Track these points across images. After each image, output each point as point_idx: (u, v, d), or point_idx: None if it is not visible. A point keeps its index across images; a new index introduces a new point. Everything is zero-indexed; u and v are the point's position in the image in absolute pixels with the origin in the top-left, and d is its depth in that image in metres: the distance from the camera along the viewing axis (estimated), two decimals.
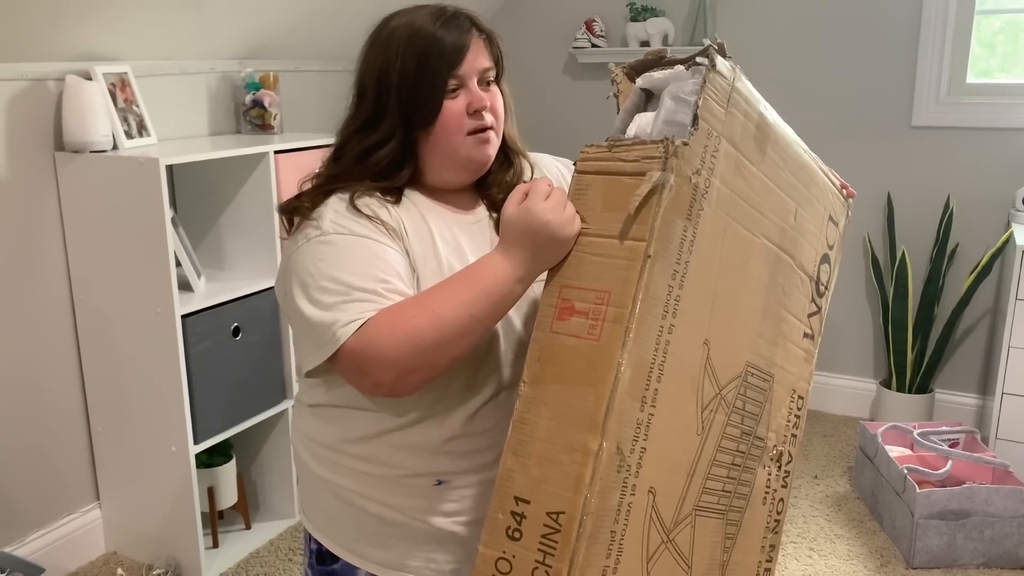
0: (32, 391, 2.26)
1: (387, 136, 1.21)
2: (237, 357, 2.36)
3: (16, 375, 2.22)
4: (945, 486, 2.46)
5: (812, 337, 1.31)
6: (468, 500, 1.21)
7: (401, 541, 1.23)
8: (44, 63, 2.18)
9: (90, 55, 2.28)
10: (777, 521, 1.30)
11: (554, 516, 0.94)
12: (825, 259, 1.31)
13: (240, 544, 2.53)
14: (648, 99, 1.11)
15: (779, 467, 1.28)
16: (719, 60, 0.99)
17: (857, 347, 3.45)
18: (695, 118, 0.96)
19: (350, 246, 1.12)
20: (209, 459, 2.45)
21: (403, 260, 1.15)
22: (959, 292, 3.15)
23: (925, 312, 3.18)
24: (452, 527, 1.22)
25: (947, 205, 3.16)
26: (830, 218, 1.31)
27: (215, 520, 2.49)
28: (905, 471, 2.46)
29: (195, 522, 2.30)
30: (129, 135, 2.27)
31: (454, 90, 1.18)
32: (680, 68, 1.05)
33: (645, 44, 3.51)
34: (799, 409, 1.30)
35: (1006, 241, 2.96)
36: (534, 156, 1.37)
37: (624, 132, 1.07)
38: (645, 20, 3.49)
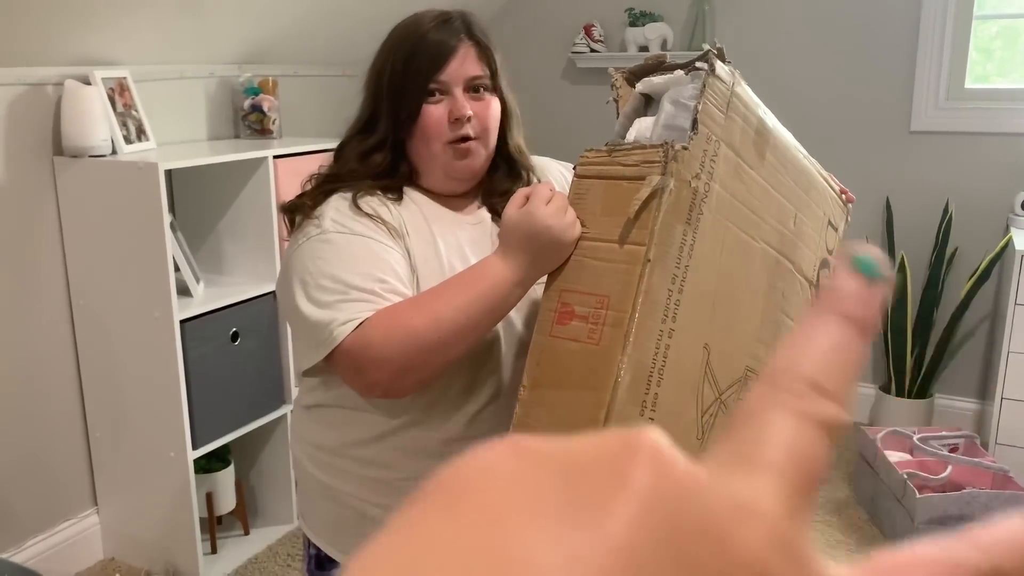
0: (30, 396, 2.26)
1: (383, 138, 1.21)
2: (236, 362, 2.35)
3: (14, 379, 2.22)
4: (945, 491, 2.46)
5: None
6: None
7: None
8: (43, 68, 2.18)
9: (89, 60, 2.28)
10: None
11: None
12: (825, 264, 1.31)
13: (239, 550, 2.52)
14: (648, 104, 1.11)
15: None
16: (719, 65, 0.99)
17: None
18: (695, 122, 0.96)
19: (350, 245, 1.12)
20: (207, 464, 2.44)
21: (403, 260, 1.14)
22: (958, 297, 3.15)
23: (924, 317, 3.18)
24: None
25: (946, 210, 3.17)
26: (829, 223, 1.31)
27: (213, 526, 2.49)
28: (905, 476, 2.46)
29: (193, 528, 2.30)
30: (128, 140, 2.27)
31: (436, 95, 1.18)
32: (680, 73, 1.05)
33: (644, 49, 3.51)
34: None
35: (1005, 245, 2.96)
36: (537, 160, 1.37)
37: (624, 137, 1.07)
38: (644, 25, 3.49)
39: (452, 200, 1.26)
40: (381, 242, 1.14)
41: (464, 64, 1.18)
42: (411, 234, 1.17)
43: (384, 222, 1.15)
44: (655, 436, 0.22)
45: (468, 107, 1.18)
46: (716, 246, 1.03)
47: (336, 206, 1.16)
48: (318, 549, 1.29)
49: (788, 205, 1.17)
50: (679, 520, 0.20)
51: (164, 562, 2.34)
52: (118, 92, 2.28)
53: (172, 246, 2.15)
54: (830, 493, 2.86)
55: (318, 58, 3.07)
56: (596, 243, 1.00)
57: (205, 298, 2.31)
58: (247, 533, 2.60)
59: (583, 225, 1.01)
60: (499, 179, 1.27)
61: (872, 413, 3.41)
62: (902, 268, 3.15)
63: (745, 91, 1.06)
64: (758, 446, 0.22)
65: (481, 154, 1.22)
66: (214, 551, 2.49)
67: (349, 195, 1.18)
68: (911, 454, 2.72)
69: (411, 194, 1.23)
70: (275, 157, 2.40)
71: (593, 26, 3.61)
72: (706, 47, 1.01)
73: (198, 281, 2.34)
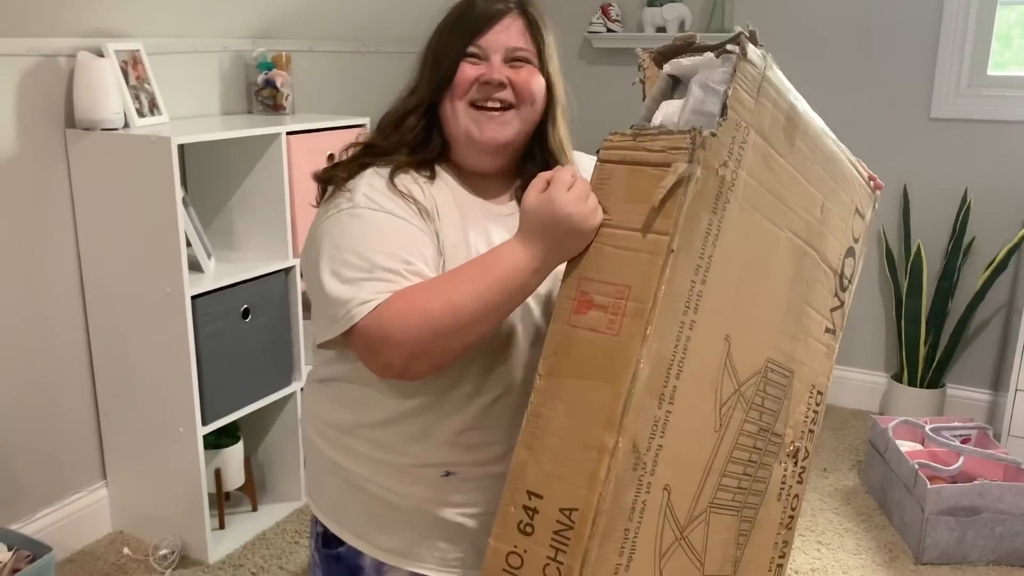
0: (41, 369, 2.26)
1: (419, 101, 1.20)
2: (246, 339, 2.34)
3: (25, 353, 2.21)
4: (956, 482, 2.44)
5: (834, 332, 1.28)
6: (476, 493, 1.20)
7: (407, 528, 1.22)
8: (56, 39, 2.16)
9: (102, 32, 2.25)
10: (791, 517, 1.29)
11: (567, 513, 0.93)
12: (850, 252, 1.29)
13: (247, 526, 2.52)
14: (675, 86, 1.09)
15: (795, 463, 1.26)
16: (750, 48, 0.96)
17: (869, 340, 3.43)
18: (724, 108, 0.94)
19: (379, 223, 1.10)
20: (217, 440, 2.44)
21: (431, 243, 1.13)
22: (974, 287, 3.12)
23: (939, 306, 3.15)
24: (458, 518, 1.21)
25: (964, 199, 3.13)
26: (856, 211, 1.28)
27: (222, 501, 2.49)
28: (916, 466, 2.44)
29: (202, 503, 2.30)
30: (141, 113, 2.25)
31: (475, 58, 1.17)
32: (709, 55, 1.02)
33: (661, 30, 3.47)
34: (817, 405, 1.28)
35: (1023, 237, 2.93)
36: (573, 154, 1.35)
37: (650, 120, 1.05)
38: (662, 5, 3.45)
39: (485, 188, 1.23)
40: (411, 222, 1.12)
41: (507, 32, 1.17)
42: (441, 217, 1.16)
43: (416, 202, 1.14)
44: None
45: (503, 73, 1.16)
46: (742, 236, 1.01)
47: (370, 181, 1.15)
48: (325, 527, 1.29)
49: (816, 193, 1.15)
50: None
51: (172, 536, 2.35)
52: (131, 65, 2.26)
53: (184, 221, 2.13)
54: (840, 481, 2.85)
55: (332, 34, 3.04)
56: (618, 231, 0.97)
57: (216, 274, 2.29)
58: (255, 509, 2.60)
59: (605, 212, 0.99)
60: (535, 172, 1.24)
61: (884, 402, 3.40)
62: (918, 257, 3.12)
63: (776, 75, 1.03)
64: None
65: (512, 124, 1.19)
66: (222, 527, 2.49)
67: (385, 172, 1.16)
68: (922, 444, 2.70)
69: (443, 175, 1.21)
70: (288, 133, 2.38)
71: (610, 6, 3.57)
72: (738, 29, 0.98)
73: (210, 257, 2.33)
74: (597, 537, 0.91)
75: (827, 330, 1.26)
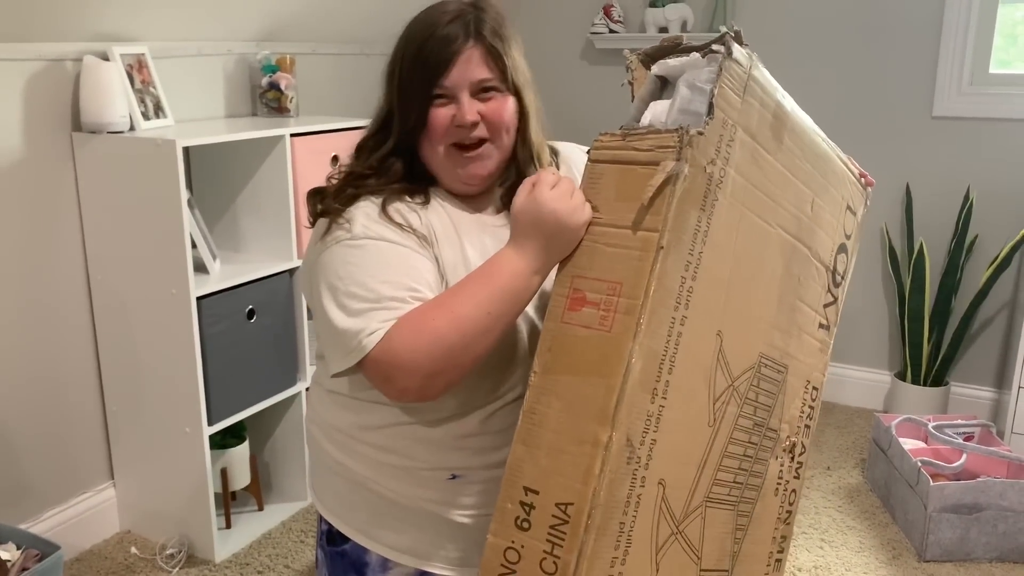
0: (48, 370, 2.28)
1: (396, 143, 1.20)
2: (251, 339, 2.36)
3: (33, 354, 2.24)
4: (959, 480, 2.44)
5: (828, 327, 1.30)
6: (482, 495, 1.21)
7: (412, 527, 1.23)
8: (62, 43, 2.18)
9: (108, 36, 2.28)
10: (789, 512, 1.30)
11: (563, 507, 0.94)
12: (842, 249, 1.30)
13: (253, 525, 2.54)
14: (663, 87, 1.10)
15: (792, 458, 1.27)
16: (736, 48, 0.98)
17: (872, 338, 3.43)
18: (711, 107, 0.95)
19: (381, 252, 1.11)
20: (223, 440, 2.47)
21: (432, 268, 1.14)
22: (977, 285, 3.12)
23: (942, 304, 3.15)
24: (464, 520, 1.22)
25: (967, 196, 3.13)
26: (848, 207, 1.29)
27: (228, 501, 2.51)
28: (919, 464, 2.45)
29: (208, 502, 2.32)
30: (146, 116, 2.27)
31: (443, 98, 1.16)
32: (696, 56, 1.04)
33: (664, 30, 3.48)
34: (813, 400, 1.29)
35: None
36: (562, 146, 1.35)
37: (638, 120, 1.06)
38: (664, 6, 3.46)
39: (477, 202, 1.25)
40: (412, 249, 1.13)
41: (468, 68, 1.15)
42: (440, 241, 1.17)
43: (414, 230, 1.14)
44: None
45: (473, 112, 1.16)
46: (731, 232, 1.03)
47: (366, 211, 1.15)
48: (330, 525, 1.30)
49: (805, 190, 1.16)
50: None
51: (179, 536, 2.37)
52: (136, 68, 2.28)
53: (189, 223, 2.15)
54: (843, 479, 2.85)
55: (336, 36, 3.06)
56: (609, 229, 0.99)
57: (222, 275, 2.32)
58: (261, 509, 2.62)
59: (596, 210, 1.01)
60: (516, 173, 1.25)
61: (887, 400, 3.40)
62: (921, 255, 3.12)
63: (763, 74, 1.05)
64: None
65: (493, 156, 1.20)
66: (228, 526, 2.51)
67: (378, 201, 1.16)
68: (926, 442, 2.70)
69: (437, 197, 1.22)
70: (292, 135, 2.40)
71: (612, 6, 3.58)
72: (723, 29, 1.00)
73: (215, 258, 2.35)
74: (593, 531, 0.93)
75: (820, 325, 1.27)
